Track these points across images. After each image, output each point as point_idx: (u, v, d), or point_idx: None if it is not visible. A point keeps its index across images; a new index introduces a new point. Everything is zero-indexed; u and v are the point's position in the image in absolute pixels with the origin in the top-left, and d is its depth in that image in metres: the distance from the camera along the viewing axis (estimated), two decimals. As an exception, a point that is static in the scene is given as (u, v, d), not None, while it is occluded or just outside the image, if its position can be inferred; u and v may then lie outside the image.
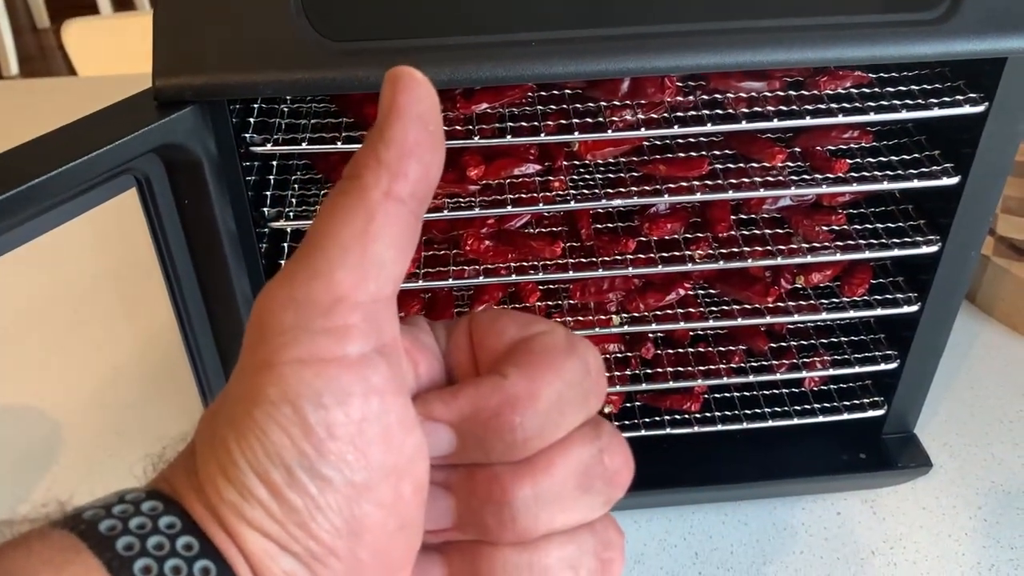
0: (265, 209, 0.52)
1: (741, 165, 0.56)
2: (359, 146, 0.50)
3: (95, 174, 0.42)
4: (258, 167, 0.53)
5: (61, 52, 1.45)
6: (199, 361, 0.53)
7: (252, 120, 0.50)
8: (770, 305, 0.60)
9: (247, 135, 0.49)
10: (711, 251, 0.57)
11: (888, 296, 0.60)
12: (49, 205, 0.41)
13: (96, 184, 0.43)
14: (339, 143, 0.50)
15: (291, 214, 0.53)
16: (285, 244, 0.57)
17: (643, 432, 0.64)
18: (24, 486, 0.68)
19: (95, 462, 0.70)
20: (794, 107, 0.52)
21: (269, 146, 0.49)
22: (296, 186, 0.57)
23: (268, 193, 0.53)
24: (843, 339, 0.66)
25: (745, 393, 0.66)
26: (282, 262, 0.56)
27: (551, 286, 0.62)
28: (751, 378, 0.63)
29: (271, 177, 0.54)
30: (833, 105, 0.52)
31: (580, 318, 0.60)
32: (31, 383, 0.77)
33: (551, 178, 0.55)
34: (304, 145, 0.49)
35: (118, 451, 0.71)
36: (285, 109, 0.54)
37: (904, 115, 0.51)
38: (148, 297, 0.83)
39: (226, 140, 0.46)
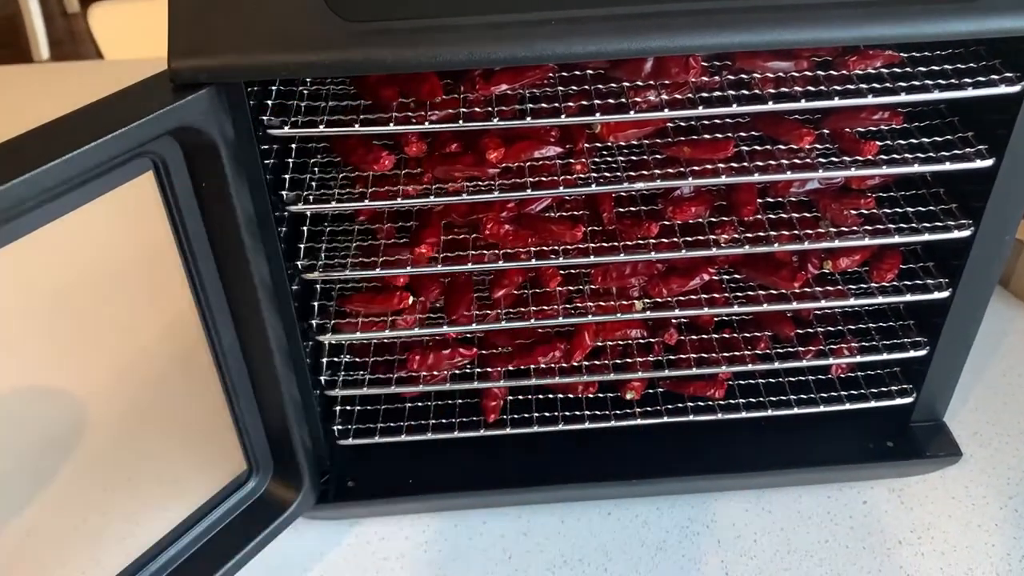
0: (284, 192, 0.51)
1: (768, 147, 0.55)
2: (377, 129, 0.49)
3: (111, 156, 0.41)
4: (277, 150, 0.52)
5: (91, 36, 1.45)
6: (217, 341, 0.53)
7: (270, 102, 0.49)
8: (797, 291, 0.59)
9: (265, 118, 0.48)
10: (736, 235, 0.56)
11: (918, 282, 0.59)
12: (66, 187, 0.41)
13: (113, 167, 0.42)
14: (357, 125, 0.49)
15: (310, 198, 0.53)
16: (304, 228, 0.57)
17: (666, 419, 0.63)
18: (51, 467, 0.69)
19: (120, 443, 0.71)
20: (822, 88, 0.51)
21: (287, 129, 0.48)
22: (315, 169, 0.56)
23: (287, 176, 0.52)
24: (871, 325, 0.64)
25: (770, 380, 0.65)
26: (301, 246, 0.55)
27: (572, 271, 0.61)
28: (777, 365, 0.62)
29: (290, 160, 0.54)
30: (863, 85, 0.50)
31: (602, 303, 0.59)
32: (58, 366, 0.78)
33: (572, 161, 0.54)
34: (322, 128, 0.49)
35: (142, 432, 0.71)
36: (304, 91, 0.53)
37: (936, 95, 0.49)
38: (172, 280, 0.83)
39: (243, 122, 0.46)
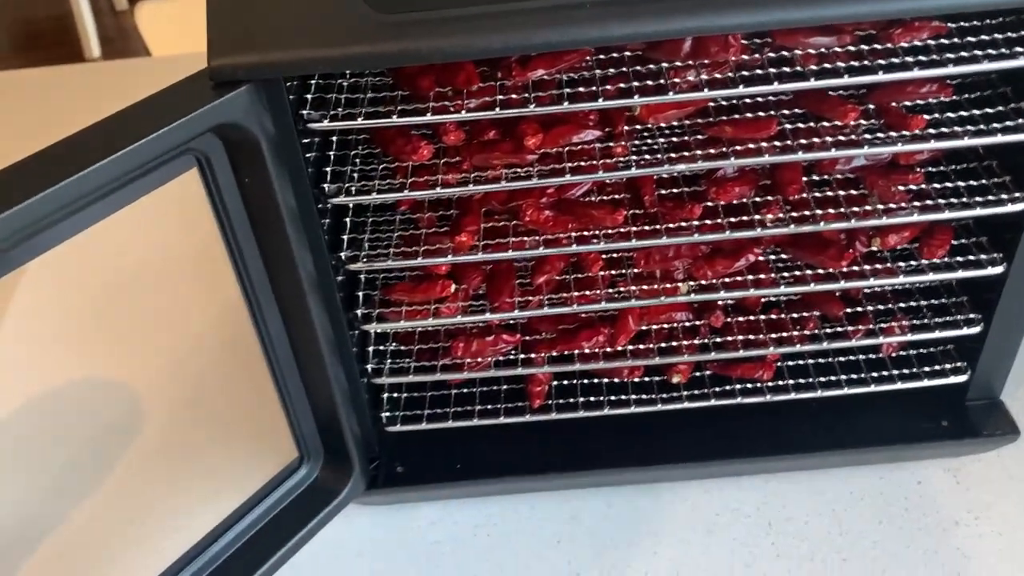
0: (326, 185, 0.52)
1: (812, 124, 0.54)
2: (416, 119, 0.50)
3: (155, 155, 0.42)
4: (318, 143, 0.53)
5: (139, 33, 1.48)
6: (266, 333, 0.54)
7: (309, 96, 0.50)
8: (845, 269, 0.58)
9: (304, 111, 0.49)
10: (782, 215, 0.55)
11: (971, 257, 0.57)
12: (113, 186, 0.42)
13: (158, 165, 0.43)
14: (396, 116, 0.49)
15: (352, 189, 0.53)
16: (347, 219, 0.57)
17: (713, 402, 0.63)
18: (109, 457, 0.71)
19: (175, 433, 0.72)
20: (866, 62, 0.50)
21: (326, 122, 0.49)
22: (356, 161, 0.57)
23: (328, 169, 0.53)
24: (923, 303, 0.63)
25: (819, 360, 0.64)
26: (344, 238, 0.56)
27: (614, 255, 0.60)
28: (825, 345, 0.61)
29: (331, 152, 0.55)
30: (908, 59, 0.49)
31: (645, 287, 0.59)
32: (112, 358, 0.80)
33: (612, 144, 0.53)
34: (361, 120, 0.49)
35: (196, 422, 0.73)
36: (343, 84, 0.53)
37: (986, 66, 0.48)
38: (220, 270, 0.85)
39: (283, 117, 0.47)
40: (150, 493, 0.68)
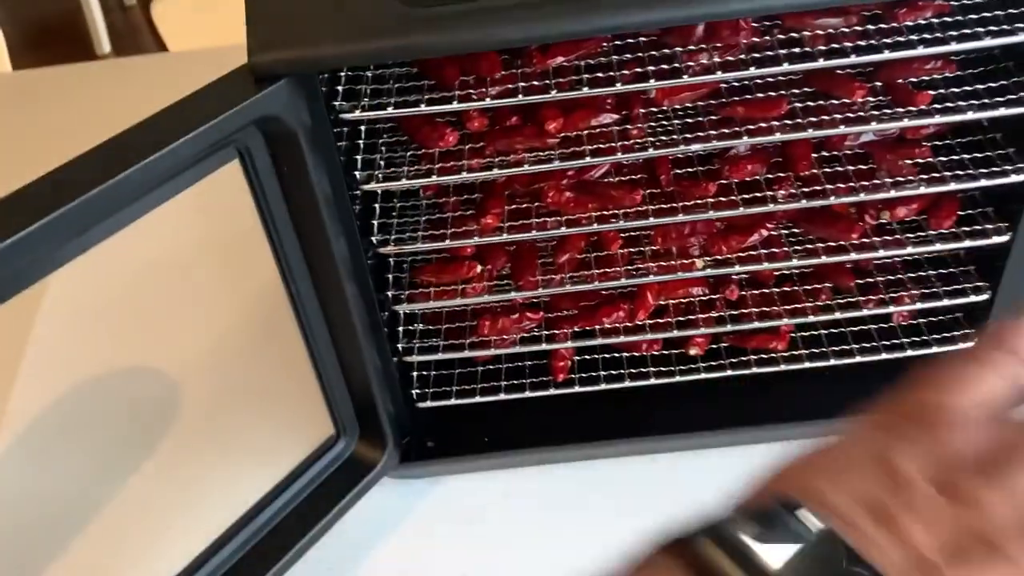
0: (356, 173, 0.54)
1: (821, 103, 0.56)
2: (442, 108, 0.52)
3: (201, 148, 0.45)
4: (348, 133, 0.55)
5: (149, 28, 1.51)
6: (304, 315, 0.56)
7: (340, 88, 0.52)
8: (855, 242, 0.60)
9: (336, 103, 0.51)
10: (793, 190, 0.57)
11: (977, 227, 0.59)
12: (162, 180, 0.45)
13: (203, 158, 0.46)
14: (423, 105, 0.52)
15: (380, 176, 0.56)
16: (376, 205, 0.60)
17: (729, 372, 0.65)
18: (152, 440, 0.74)
19: (214, 415, 0.75)
20: (873, 41, 0.52)
21: (358, 112, 0.51)
22: (383, 149, 0.59)
23: (358, 157, 0.55)
24: (931, 272, 0.65)
25: (832, 330, 0.67)
26: (375, 222, 0.59)
27: (633, 233, 0.63)
28: (837, 315, 0.63)
29: (360, 141, 0.57)
30: (913, 37, 0.51)
31: (663, 263, 0.61)
32: (149, 345, 0.83)
33: (629, 127, 0.56)
34: (390, 109, 0.52)
35: (233, 406, 0.76)
36: (370, 75, 0.56)
37: (987, 42, 0.50)
38: (251, 259, 0.87)
39: (318, 109, 0.49)
40: (195, 470, 0.71)
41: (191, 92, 0.46)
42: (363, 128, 0.58)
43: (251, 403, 0.75)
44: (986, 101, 0.54)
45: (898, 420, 0.29)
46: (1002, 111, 0.53)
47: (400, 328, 0.64)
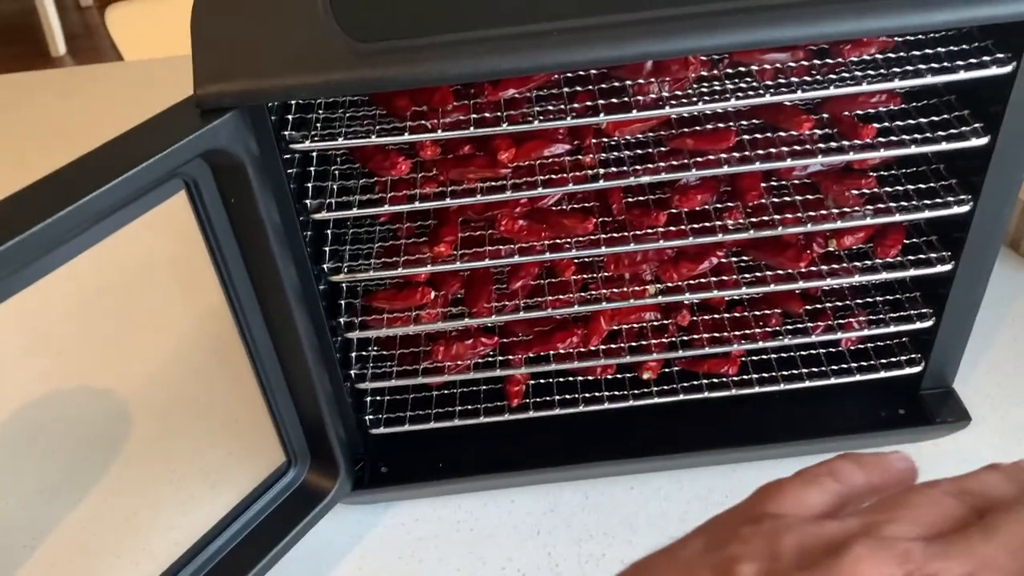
0: (307, 201, 0.54)
1: (769, 135, 0.56)
2: (394, 139, 0.52)
3: (147, 182, 0.44)
4: (299, 160, 0.55)
5: (107, 29, 1.48)
6: (252, 343, 0.56)
7: (290, 118, 0.52)
8: (803, 269, 0.61)
9: (287, 132, 0.51)
10: (742, 220, 0.58)
11: (922, 256, 0.60)
12: (106, 214, 0.44)
13: (148, 191, 0.45)
14: (373, 136, 0.51)
15: (332, 204, 0.55)
16: (328, 231, 0.60)
17: (682, 396, 0.66)
18: (100, 464, 0.73)
19: (165, 438, 0.74)
20: (819, 76, 0.53)
21: (308, 143, 0.51)
22: (336, 174, 0.59)
23: (309, 185, 0.55)
24: (879, 298, 0.66)
25: (782, 354, 0.67)
26: (326, 250, 0.58)
27: (586, 260, 0.63)
28: (787, 341, 0.64)
29: (312, 169, 0.57)
30: (858, 72, 0.52)
31: (616, 289, 0.62)
32: (100, 364, 0.82)
33: (580, 157, 0.56)
34: (341, 140, 0.51)
35: (184, 430, 0.75)
36: (322, 104, 0.55)
37: (929, 80, 0.51)
38: (202, 279, 0.86)
39: (267, 140, 0.49)
40: (140, 498, 0.70)
41: (137, 125, 0.46)
42: (315, 156, 0.57)
43: (203, 426, 0.74)
44: (929, 135, 0.55)
45: (737, 524, 0.31)
46: (944, 145, 0.54)
47: (353, 354, 0.64)
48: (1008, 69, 0.50)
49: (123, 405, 0.78)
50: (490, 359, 0.65)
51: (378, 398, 0.67)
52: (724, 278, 0.61)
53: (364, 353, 0.65)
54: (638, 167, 0.55)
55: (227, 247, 0.51)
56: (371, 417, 0.65)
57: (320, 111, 0.56)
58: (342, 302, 0.61)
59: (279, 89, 0.45)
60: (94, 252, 0.47)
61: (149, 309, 0.86)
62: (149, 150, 0.44)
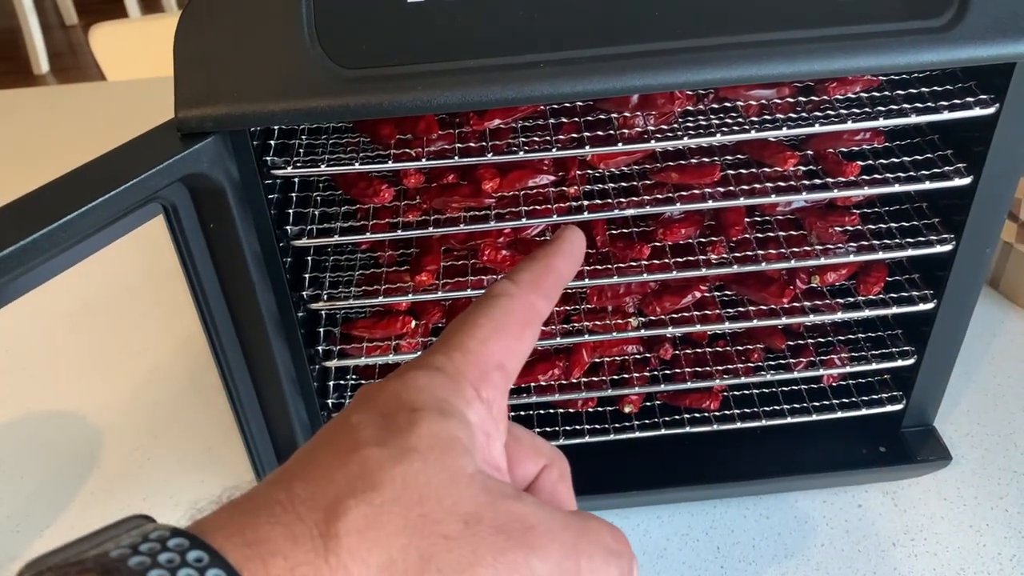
0: (288, 228, 0.53)
1: (753, 170, 0.56)
2: (377, 167, 0.51)
3: (124, 205, 0.43)
4: (280, 186, 0.54)
5: (90, 48, 1.48)
6: (227, 369, 0.55)
7: (273, 143, 0.51)
8: (786, 305, 0.60)
9: (269, 158, 0.50)
10: (725, 255, 0.58)
11: (904, 294, 0.60)
12: (82, 236, 0.43)
13: (126, 214, 0.45)
14: (357, 163, 0.51)
15: (314, 231, 0.55)
16: (309, 258, 0.59)
17: (663, 431, 0.65)
18: (70, 488, 0.71)
19: (136, 463, 0.73)
20: (804, 113, 0.53)
21: (290, 169, 0.50)
22: (319, 200, 0.58)
23: (291, 211, 0.54)
24: (861, 335, 0.66)
25: (764, 390, 0.67)
26: (306, 276, 0.57)
27: (569, 291, 0.63)
28: (769, 376, 0.64)
29: (293, 194, 0.56)
30: (843, 111, 0.52)
31: (598, 322, 0.61)
32: (73, 388, 0.80)
33: (565, 188, 0.56)
34: (323, 167, 0.51)
35: (156, 453, 0.73)
36: (306, 129, 0.55)
37: (913, 119, 0.51)
38: (179, 303, 0.85)
39: (248, 165, 0.48)
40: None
41: (117, 146, 0.45)
42: (297, 182, 0.57)
43: (177, 453, 0.73)
44: (912, 174, 0.55)
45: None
46: (927, 184, 0.54)
47: (331, 383, 0.63)
48: (991, 111, 0.50)
49: (95, 429, 0.77)
50: (470, 390, 0.64)
51: (355, 428, 0.65)
52: (707, 312, 0.61)
53: (343, 382, 0.64)
54: (622, 199, 0.55)
55: (205, 272, 0.50)
56: (348, 447, 0.64)
57: (304, 137, 0.55)
58: (321, 330, 0.61)
59: (262, 114, 0.45)
60: (71, 273, 0.46)
61: (126, 332, 0.85)
62: (127, 173, 0.43)
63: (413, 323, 0.60)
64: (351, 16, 0.45)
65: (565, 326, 0.61)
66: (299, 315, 0.56)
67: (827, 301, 0.61)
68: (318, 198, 0.58)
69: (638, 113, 0.53)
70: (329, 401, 0.62)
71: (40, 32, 3.08)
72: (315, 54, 0.45)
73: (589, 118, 0.54)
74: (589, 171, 0.57)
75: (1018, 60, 0.47)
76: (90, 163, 0.44)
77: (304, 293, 0.57)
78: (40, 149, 1.06)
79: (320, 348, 0.59)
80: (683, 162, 0.56)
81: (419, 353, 0.60)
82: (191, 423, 0.76)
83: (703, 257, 0.58)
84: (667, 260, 0.58)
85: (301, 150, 0.53)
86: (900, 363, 0.63)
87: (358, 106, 0.45)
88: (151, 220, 0.48)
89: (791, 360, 0.65)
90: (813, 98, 0.54)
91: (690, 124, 0.53)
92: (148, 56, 1.41)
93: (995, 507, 0.66)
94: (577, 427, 0.65)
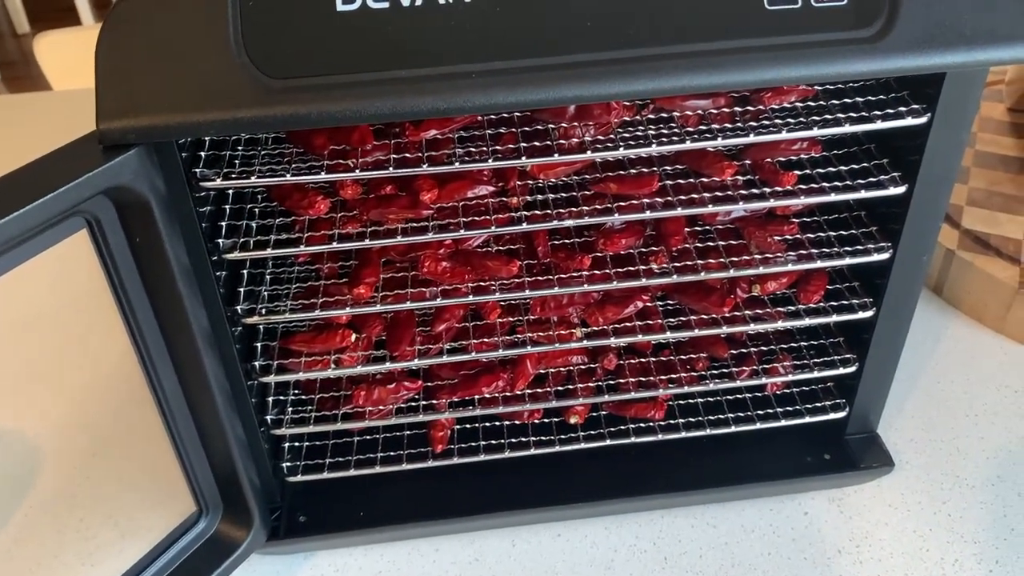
0: (220, 241, 0.52)
1: (691, 180, 0.56)
2: (311, 178, 0.51)
3: (43, 219, 0.42)
4: (213, 198, 0.53)
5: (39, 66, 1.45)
6: (159, 389, 0.54)
7: (203, 154, 0.50)
8: (727, 314, 0.60)
9: (198, 170, 0.49)
10: (666, 265, 0.58)
11: (844, 302, 0.61)
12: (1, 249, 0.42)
13: (46, 228, 0.43)
14: (288, 175, 0.50)
15: (248, 243, 0.54)
16: (244, 271, 0.58)
17: (609, 442, 0.65)
18: (4, 510, 0.69)
19: (72, 484, 0.71)
20: (740, 123, 0.53)
21: (220, 181, 0.49)
22: (254, 211, 0.57)
23: (223, 224, 0.53)
24: (803, 344, 0.66)
25: (709, 399, 0.67)
26: (241, 290, 0.56)
27: (512, 302, 0.62)
28: (713, 386, 0.64)
29: (227, 207, 0.55)
30: (779, 120, 0.52)
31: (542, 333, 0.61)
32: (7, 406, 0.78)
33: (505, 199, 0.55)
34: (254, 178, 0.50)
35: (94, 472, 0.71)
36: (238, 140, 0.54)
37: (847, 128, 0.52)
38: (115, 317, 0.84)
39: (176, 177, 0.47)
40: (44, 547, 0.66)
41: (37, 159, 0.44)
42: (231, 194, 0.56)
43: (115, 471, 0.71)
44: (849, 183, 0.55)
45: None
46: (863, 194, 0.54)
47: (270, 399, 0.62)
48: (923, 120, 0.51)
49: (30, 448, 0.74)
50: (413, 403, 0.63)
51: (296, 444, 0.64)
52: (650, 322, 0.61)
53: (283, 397, 0.63)
54: (562, 210, 0.55)
55: (132, 288, 0.49)
56: (288, 464, 0.63)
57: (239, 148, 0.54)
58: (259, 345, 0.59)
59: (186, 125, 0.44)
60: (2, 286, 0.45)
61: (62, 351, 0.83)
62: (46, 186, 0.41)
63: (353, 336, 0.59)
64: (279, 24, 0.45)
65: (509, 337, 0.61)
66: (234, 330, 0.55)
67: (768, 310, 0.62)
68: (255, 210, 0.57)
69: (576, 124, 0.52)
70: (268, 417, 0.61)
71: (-11, 40, 3.01)
72: (241, 63, 0.44)
73: (527, 129, 0.53)
74: (530, 182, 0.57)
75: (947, 70, 0.47)
76: (7, 175, 0.42)
77: (239, 308, 0.56)
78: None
79: (257, 363, 0.58)
80: (622, 172, 0.56)
81: (360, 368, 0.60)
82: (131, 441, 0.74)
83: (644, 267, 0.57)
84: (608, 271, 0.57)
85: (236, 161, 0.52)
86: (842, 371, 0.63)
87: (286, 117, 0.44)
88: (83, 235, 0.47)
89: (735, 369, 0.65)
90: (749, 108, 0.54)
91: (628, 135, 0.53)
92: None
93: (938, 512, 0.66)
94: (523, 439, 0.65)
